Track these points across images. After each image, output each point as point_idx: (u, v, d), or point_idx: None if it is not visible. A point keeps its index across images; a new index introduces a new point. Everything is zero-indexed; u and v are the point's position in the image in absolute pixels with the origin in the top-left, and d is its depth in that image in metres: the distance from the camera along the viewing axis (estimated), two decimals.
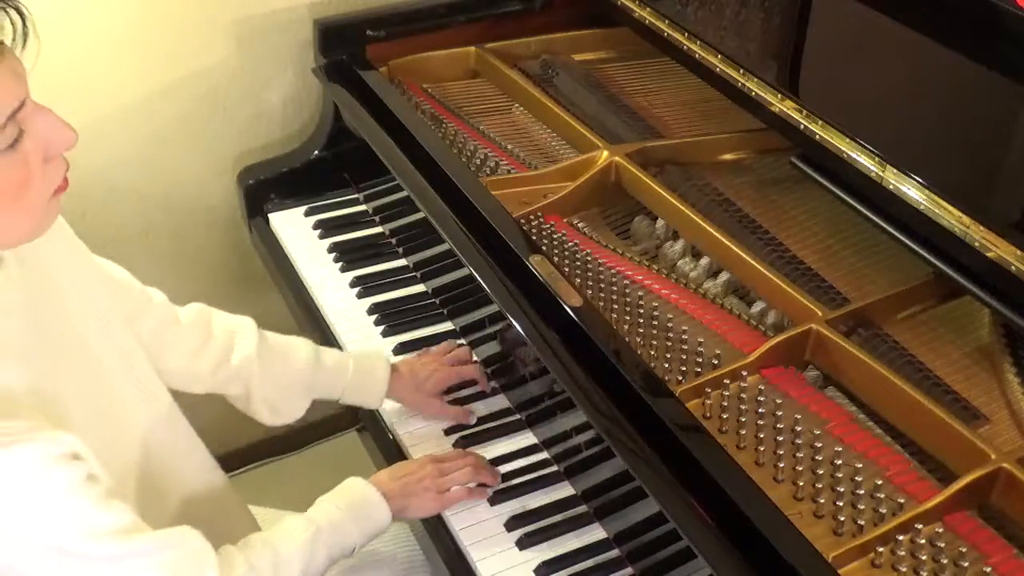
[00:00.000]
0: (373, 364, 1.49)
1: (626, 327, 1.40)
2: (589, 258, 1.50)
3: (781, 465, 1.20)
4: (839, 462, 1.21)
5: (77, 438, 1.01)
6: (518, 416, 1.50)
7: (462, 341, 1.62)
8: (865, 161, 1.35)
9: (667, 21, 1.67)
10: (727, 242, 1.46)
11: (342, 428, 2.30)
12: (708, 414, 1.27)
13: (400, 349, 1.61)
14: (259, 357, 1.41)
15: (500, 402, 1.53)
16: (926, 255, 1.31)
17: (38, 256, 1.11)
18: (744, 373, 1.30)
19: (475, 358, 1.57)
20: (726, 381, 1.29)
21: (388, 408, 1.53)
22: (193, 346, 1.39)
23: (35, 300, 1.09)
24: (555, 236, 1.54)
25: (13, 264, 1.06)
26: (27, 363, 1.04)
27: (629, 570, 1.29)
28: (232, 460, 2.32)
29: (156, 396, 1.27)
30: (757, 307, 1.43)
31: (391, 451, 1.49)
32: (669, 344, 1.37)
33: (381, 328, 1.65)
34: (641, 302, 1.43)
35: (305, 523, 1.24)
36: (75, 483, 1.01)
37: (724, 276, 1.49)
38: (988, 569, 1.11)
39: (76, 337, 1.15)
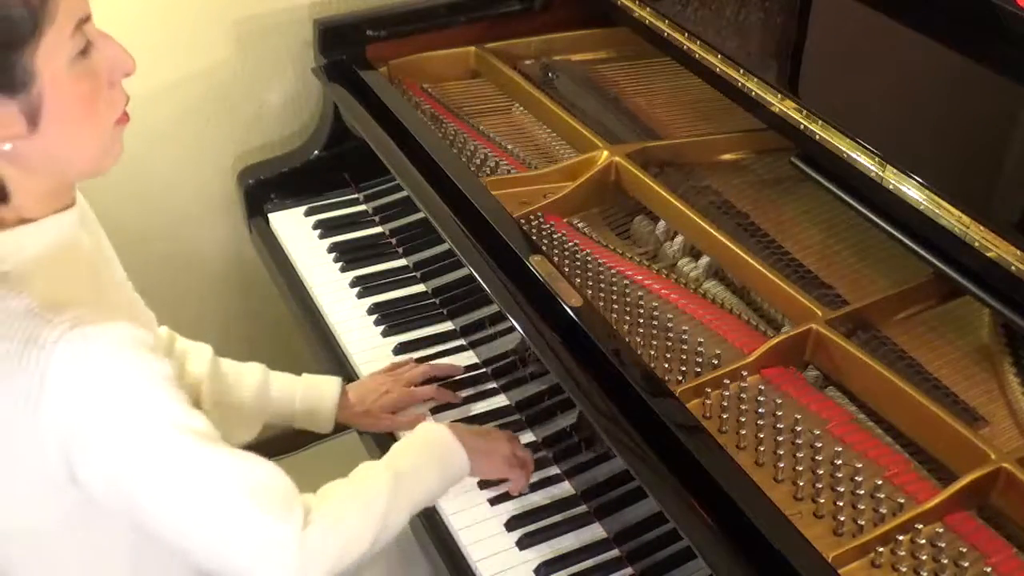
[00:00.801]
0: (321, 393, 1.48)
1: (626, 327, 1.40)
2: (589, 258, 1.50)
3: (781, 465, 1.20)
4: (839, 462, 1.21)
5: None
6: (518, 416, 1.50)
7: (461, 342, 1.62)
8: (865, 161, 1.34)
9: (667, 21, 1.67)
10: (727, 242, 1.46)
11: (342, 428, 2.29)
12: (708, 414, 1.27)
13: (400, 349, 1.61)
14: (209, 380, 1.41)
15: (500, 402, 1.53)
16: (926, 255, 1.31)
17: (91, 222, 1.17)
18: (744, 373, 1.30)
19: (433, 372, 1.54)
20: (726, 381, 1.29)
21: None
22: None
23: (96, 248, 1.16)
24: (555, 236, 1.54)
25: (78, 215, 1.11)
26: (95, 289, 1.09)
27: (629, 570, 1.29)
28: None
29: None
30: (758, 312, 1.44)
31: None
32: (669, 344, 1.37)
33: (381, 328, 1.65)
34: (641, 302, 1.43)
35: (384, 469, 1.21)
36: (160, 374, 1.03)
37: (723, 275, 1.49)
38: (988, 569, 1.11)
39: (126, 296, 1.20)
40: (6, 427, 1.01)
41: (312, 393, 1.48)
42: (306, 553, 1.08)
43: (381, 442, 1.52)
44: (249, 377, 1.46)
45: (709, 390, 1.28)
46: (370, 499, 1.16)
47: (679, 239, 1.55)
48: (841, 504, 1.17)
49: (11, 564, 1.13)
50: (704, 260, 1.51)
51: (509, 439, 1.37)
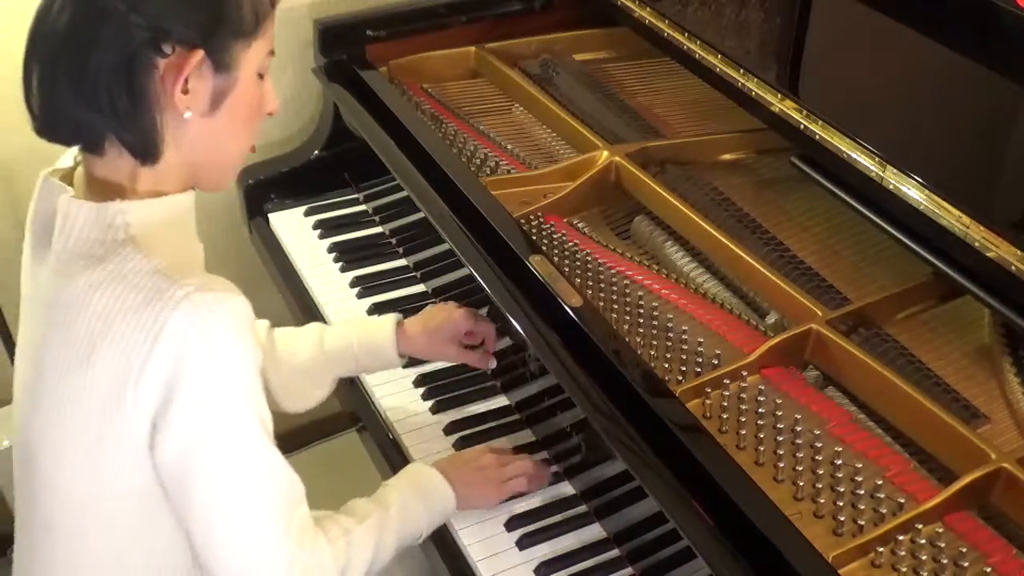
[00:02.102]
0: (376, 334, 1.49)
1: (626, 327, 1.40)
2: (589, 258, 1.50)
3: (781, 465, 1.20)
4: (839, 462, 1.21)
5: None
6: (518, 416, 1.50)
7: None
8: (865, 161, 1.34)
9: (667, 21, 1.67)
10: (727, 242, 1.46)
11: (342, 428, 2.30)
12: (708, 414, 1.27)
13: None
14: (269, 348, 1.42)
15: (500, 402, 1.53)
16: (926, 255, 1.31)
17: None
18: (744, 373, 1.30)
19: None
20: (726, 381, 1.29)
21: (388, 408, 1.53)
22: None
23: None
24: (555, 236, 1.54)
25: None
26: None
27: (629, 570, 1.29)
28: None
29: None
30: (759, 312, 1.43)
31: (391, 451, 1.49)
32: (669, 344, 1.37)
33: None
34: (641, 302, 1.43)
35: (373, 506, 1.24)
36: (258, 360, 1.07)
37: (724, 276, 1.49)
38: (988, 569, 1.11)
39: None
40: (114, 381, 1.02)
41: (367, 337, 1.49)
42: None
43: (381, 442, 1.52)
44: (305, 340, 1.47)
45: (709, 390, 1.28)
46: (363, 533, 1.20)
47: (679, 239, 1.54)
48: (841, 504, 1.17)
49: (79, 539, 1.13)
50: (704, 260, 1.51)
51: (499, 464, 1.36)
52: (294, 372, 1.44)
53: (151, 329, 1.00)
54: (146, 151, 1.05)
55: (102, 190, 1.07)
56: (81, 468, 1.08)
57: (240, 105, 1.09)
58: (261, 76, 1.12)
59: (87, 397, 1.04)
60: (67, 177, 1.12)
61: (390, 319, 1.50)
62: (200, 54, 1.02)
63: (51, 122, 1.05)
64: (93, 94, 1.00)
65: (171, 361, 1.00)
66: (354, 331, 1.49)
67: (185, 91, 1.03)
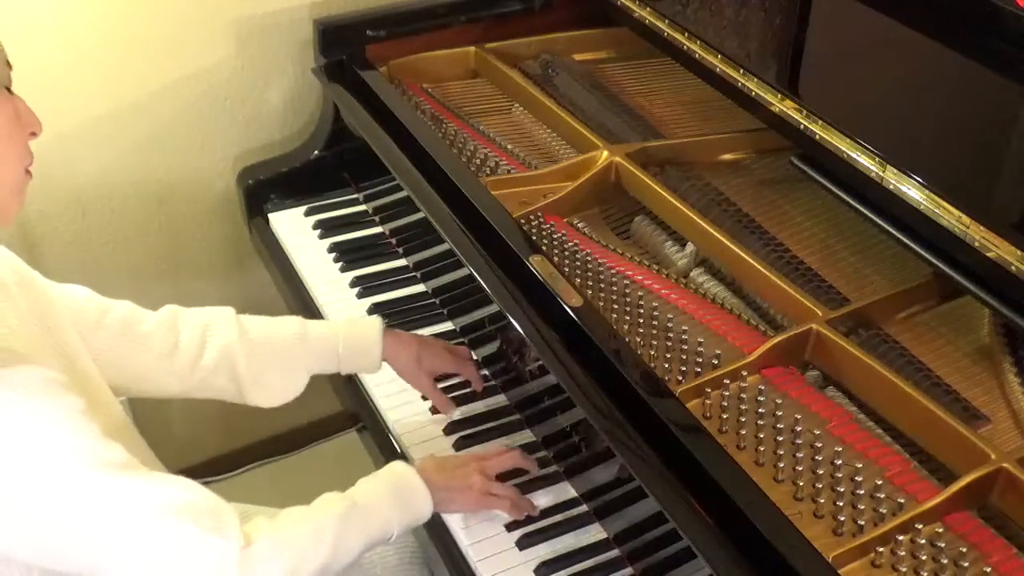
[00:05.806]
0: (365, 328, 1.46)
1: (626, 327, 1.40)
2: (589, 258, 1.50)
3: (781, 465, 1.20)
4: (839, 462, 1.21)
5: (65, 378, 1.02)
6: (518, 416, 1.50)
7: (462, 341, 1.62)
8: (865, 161, 1.35)
9: (667, 21, 1.67)
10: (727, 242, 1.46)
11: (342, 428, 2.30)
12: (708, 414, 1.27)
13: None
14: (241, 343, 1.38)
15: (500, 402, 1.53)
16: (926, 255, 1.31)
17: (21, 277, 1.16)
18: (744, 373, 1.30)
19: (475, 359, 1.56)
20: (726, 381, 1.29)
21: (388, 408, 1.53)
22: (164, 348, 1.36)
23: (34, 309, 1.13)
24: (555, 236, 1.54)
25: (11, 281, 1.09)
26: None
27: (629, 570, 1.29)
28: (232, 460, 2.31)
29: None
30: (758, 312, 1.43)
31: (391, 451, 1.49)
32: (669, 344, 1.37)
33: None
34: (641, 302, 1.43)
35: (341, 499, 1.22)
36: (72, 410, 1.01)
37: (724, 276, 1.49)
38: (988, 569, 1.11)
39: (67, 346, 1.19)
40: None
41: (355, 331, 1.45)
42: (249, 567, 1.09)
43: (381, 442, 1.52)
44: (286, 329, 1.42)
45: (709, 390, 1.28)
46: (322, 524, 1.18)
47: (679, 239, 1.55)
48: (841, 504, 1.17)
49: None
50: (704, 260, 1.51)
51: (481, 472, 1.33)
52: (269, 365, 1.40)
53: None
54: None
55: None
56: None
57: None
58: (8, 89, 1.05)
59: None
60: None
61: (377, 321, 1.47)
62: None
63: None
64: None
65: None
66: (341, 326, 1.46)
67: None
